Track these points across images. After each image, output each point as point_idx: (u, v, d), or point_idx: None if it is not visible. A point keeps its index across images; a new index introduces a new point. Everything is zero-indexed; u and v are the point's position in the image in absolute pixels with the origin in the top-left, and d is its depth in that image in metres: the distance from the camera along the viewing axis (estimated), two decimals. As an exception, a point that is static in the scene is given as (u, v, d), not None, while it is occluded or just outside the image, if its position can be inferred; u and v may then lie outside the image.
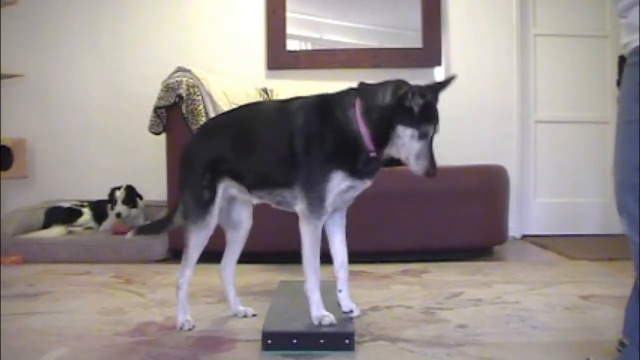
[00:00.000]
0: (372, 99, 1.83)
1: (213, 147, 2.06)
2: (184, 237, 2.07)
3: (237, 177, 2.02)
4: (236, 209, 2.16)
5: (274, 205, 2.02)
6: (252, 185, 2.01)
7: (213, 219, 2.03)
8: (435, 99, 1.82)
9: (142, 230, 2.31)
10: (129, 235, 2.24)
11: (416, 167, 1.81)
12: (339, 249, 2.05)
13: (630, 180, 1.42)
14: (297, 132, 1.87)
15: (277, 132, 1.93)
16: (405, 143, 1.79)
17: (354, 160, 1.84)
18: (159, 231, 2.34)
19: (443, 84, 1.85)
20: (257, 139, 1.99)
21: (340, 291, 2.04)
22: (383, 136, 1.81)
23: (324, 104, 1.91)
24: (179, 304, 2.09)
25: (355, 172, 1.85)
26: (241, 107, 2.27)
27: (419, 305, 2.37)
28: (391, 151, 1.84)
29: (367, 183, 1.93)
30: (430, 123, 1.79)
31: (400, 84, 1.82)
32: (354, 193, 1.93)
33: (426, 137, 1.79)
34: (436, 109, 1.81)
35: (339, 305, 2.03)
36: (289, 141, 1.87)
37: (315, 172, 1.84)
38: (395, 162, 1.96)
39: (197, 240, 2.03)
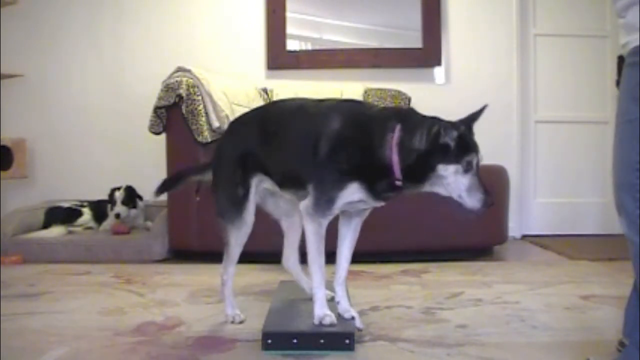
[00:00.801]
0: (411, 135, 1.73)
1: (243, 143, 2.06)
2: (222, 236, 2.07)
3: (268, 173, 2.02)
4: (284, 197, 2.13)
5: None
6: (280, 182, 2.00)
7: (249, 215, 2.03)
8: (469, 130, 1.74)
9: (162, 188, 2.27)
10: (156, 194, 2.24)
11: (471, 202, 1.70)
12: (343, 263, 2.01)
13: (629, 180, 1.42)
14: (326, 135, 1.82)
15: (305, 132, 1.88)
16: (451, 181, 1.70)
17: (374, 181, 1.79)
18: (176, 184, 2.31)
19: (475, 115, 1.77)
20: (286, 137, 1.96)
21: (338, 303, 2.00)
22: (420, 176, 1.74)
23: (362, 116, 1.85)
24: (226, 299, 2.14)
25: (371, 190, 1.80)
26: (271, 103, 2.24)
27: (419, 305, 2.37)
28: (436, 189, 1.75)
29: (380, 203, 1.88)
30: (470, 153, 1.70)
31: (434, 123, 1.73)
32: (364, 206, 1.91)
33: (471, 169, 1.70)
34: (473, 139, 1.74)
35: (339, 315, 1.97)
36: (315, 142, 1.83)
37: (332, 177, 1.80)
38: None
39: (237, 239, 2.04)
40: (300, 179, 1.89)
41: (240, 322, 2.10)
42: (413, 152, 1.73)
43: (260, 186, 2.06)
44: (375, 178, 1.78)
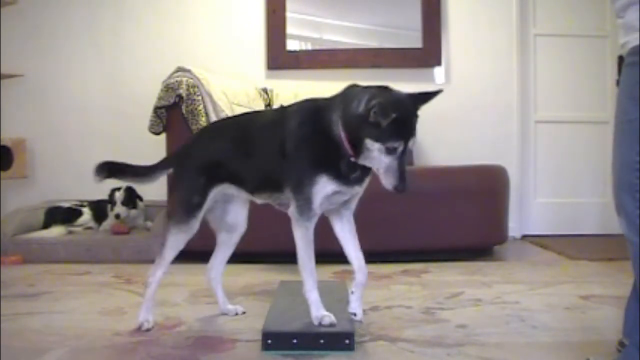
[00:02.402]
0: (349, 104, 1.75)
1: (211, 152, 2.06)
2: (164, 236, 2.07)
3: (238, 182, 2.03)
4: (232, 212, 2.18)
5: (277, 207, 2.02)
6: (254, 189, 2.02)
7: (197, 223, 2.03)
8: (410, 112, 1.72)
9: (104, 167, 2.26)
10: None
11: (384, 181, 1.72)
12: (355, 255, 2.01)
13: (628, 180, 1.42)
14: (289, 135, 1.86)
15: (273, 136, 1.92)
16: (374, 157, 1.72)
17: (337, 165, 1.81)
18: (116, 176, 2.31)
19: (426, 97, 1.75)
20: (256, 144, 1.99)
21: (352, 292, 1.99)
22: (356, 145, 1.75)
23: (316, 107, 1.88)
24: (145, 302, 2.09)
25: (340, 177, 1.82)
26: (241, 114, 2.30)
27: (419, 305, 2.37)
28: (365, 162, 1.77)
29: (357, 189, 1.90)
30: (398, 139, 1.68)
31: (376, 94, 1.72)
32: (343, 197, 1.91)
33: (395, 152, 1.69)
34: (409, 124, 1.71)
35: (346, 302, 1.98)
36: (282, 145, 1.87)
37: (302, 175, 1.84)
38: None
39: (176, 242, 2.04)
40: (276, 183, 1.91)
41: (147, 330, 2.03)
42: (350, 118, 1.75)
43: (220, 194, 2.07)
44: (338, 163, 1.81)
